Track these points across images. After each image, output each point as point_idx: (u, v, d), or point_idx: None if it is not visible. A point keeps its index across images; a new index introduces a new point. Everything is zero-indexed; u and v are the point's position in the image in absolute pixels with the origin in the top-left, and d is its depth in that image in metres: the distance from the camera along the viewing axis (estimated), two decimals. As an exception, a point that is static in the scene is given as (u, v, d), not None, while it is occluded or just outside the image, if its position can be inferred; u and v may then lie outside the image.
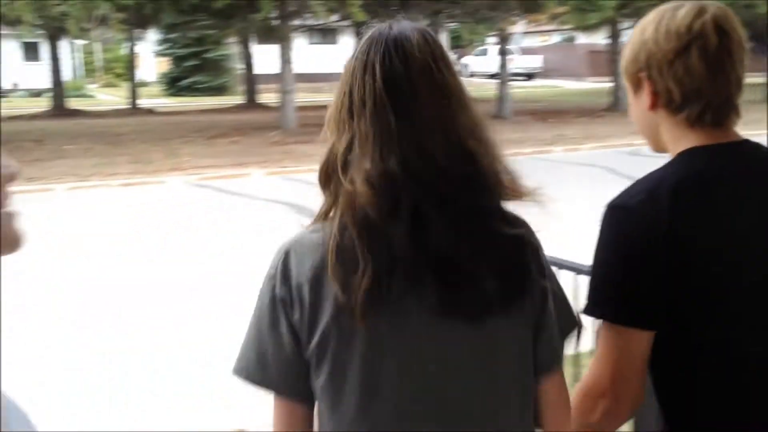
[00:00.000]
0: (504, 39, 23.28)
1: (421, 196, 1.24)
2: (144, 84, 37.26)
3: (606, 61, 26.04)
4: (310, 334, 1.28)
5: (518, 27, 34.80)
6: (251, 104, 28.49)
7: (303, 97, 28.56)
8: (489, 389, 1.31)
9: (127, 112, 26.09)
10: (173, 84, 37.96)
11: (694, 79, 1.41)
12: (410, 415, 1.28)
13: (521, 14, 23.53)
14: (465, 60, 45.63)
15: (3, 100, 31.11)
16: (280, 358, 1.32)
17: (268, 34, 22.72)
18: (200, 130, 20.76)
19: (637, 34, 1.49)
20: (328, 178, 1.34)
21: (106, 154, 16.25)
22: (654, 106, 1.47)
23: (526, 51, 44.86)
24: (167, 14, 19.90)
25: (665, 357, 1.43)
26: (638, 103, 1.52)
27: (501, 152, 1.34)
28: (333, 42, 40.96)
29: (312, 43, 39.59)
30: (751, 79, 2.84)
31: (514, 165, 1.36)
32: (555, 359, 1.40)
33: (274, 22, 20.54)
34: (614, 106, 24.36)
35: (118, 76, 45.55)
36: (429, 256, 1.24)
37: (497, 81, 23.54)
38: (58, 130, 20.69)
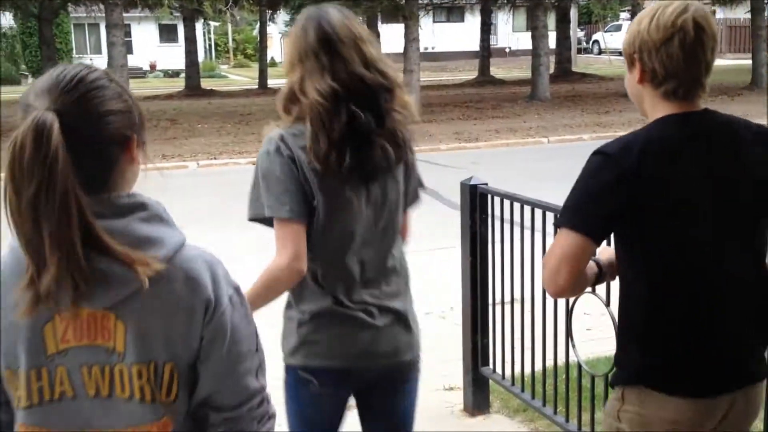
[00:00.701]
0: (638, 14, 22.40)
1: (352, 100, 2.10)
2: (273, 64, 38.20)
3: (747, 37, 24.67)
4: (306, 182, 2.13)
5: (651, 2, 33.41)
6: (376, 83, 28.67)
7: (426, 76, 28.51)
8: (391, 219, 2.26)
9: (256, 92, 26.84)
10: (300, 64, 38.69)
11: (673, 62, 1.87)
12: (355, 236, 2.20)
13: (656, -12, 22.50)
14: (596, 36, 44.28)
15: (141, 80, 32.66)
16: (292, 190, 2.14)
17: (394, 13, 22.76)
18: (326, 109, 21.10)
19: (635, 24, 1.95)
20: (290, 101, 2.17)
21: (236, 133, 16.80)
22: (642, 80, 1.93)
23: (660, 27, 43.01)
24: (296, -6, 20.28)
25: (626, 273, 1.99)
26: (631, 77, 1.98)
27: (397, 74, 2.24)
28: (460, 20, 40.61)
29: (436, 22, 39.35)
30: None
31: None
32: (416, 199, 2.39)
33: (401, 1, 20.54)
34: (755, 83, 23.10)
35: (248, 56, 46.92)
36: (359, 136, 2.11)
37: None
38: (192, 110, 21.54)
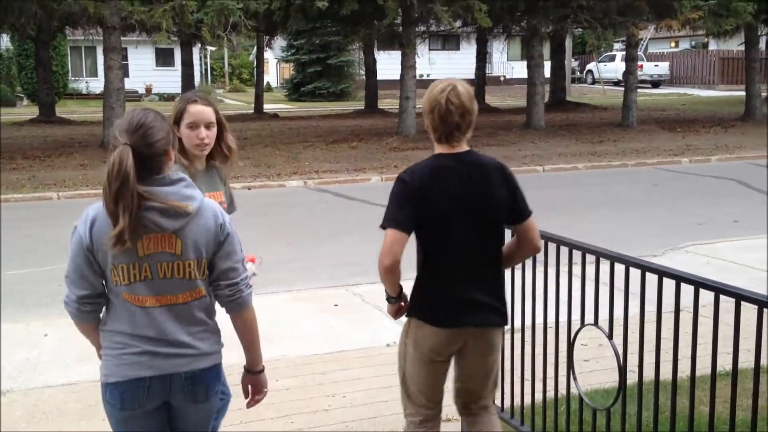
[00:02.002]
0: (632, 45, 22.54)
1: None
2: (268, 89, 38.27)
3: (739, 68, 24.79)
4: None
5: (645, 33, 33.67)
6: (372, 110, 28.77)
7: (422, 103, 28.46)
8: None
9: (252, 117, 26.86)
10: (296, 89, 38.84)
11: (435, 122, 3.01)
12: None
13: (653, 19, 22.56)
14: (589, 66, 44.58)
15: (136, 103, 32.63)
16: None
17: (391, 40, 22.87)
18: (321, 135, 21.13)
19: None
20: None
21: (232, 157, 16.72)
22: (428, 129, 3.06)
23: (652, 57, 43.38)
24: (295, 21, 20.29)
25: (422, 249, 3.08)
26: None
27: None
28: (456, 48, 40.85)
29: (433, 50, 39.56)
30: None
31: None
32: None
33: (398, 28, 20.63)
34: (747, 115, 23.21)
35: (243, 81, 47.06)
36: None
37: (622, 88, 22.81)
38: (188, 133, 21.43)
